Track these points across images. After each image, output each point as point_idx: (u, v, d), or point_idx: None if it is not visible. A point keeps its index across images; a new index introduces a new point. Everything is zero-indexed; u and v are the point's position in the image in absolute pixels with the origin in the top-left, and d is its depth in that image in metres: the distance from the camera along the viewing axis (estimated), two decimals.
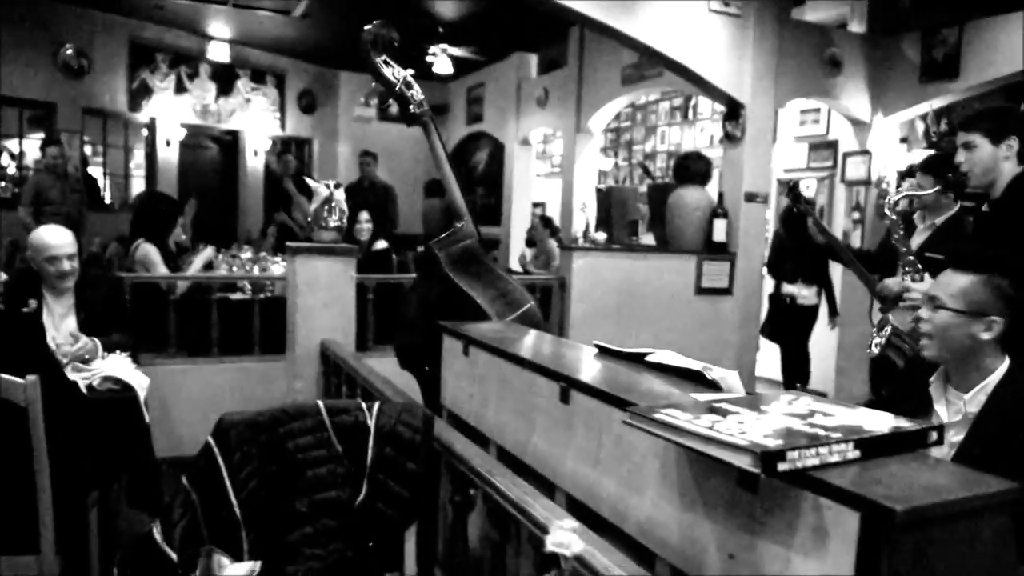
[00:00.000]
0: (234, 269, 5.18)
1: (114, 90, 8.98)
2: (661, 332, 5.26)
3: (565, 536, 1.01)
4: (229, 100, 9.82)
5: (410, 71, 2.62)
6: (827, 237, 3.44)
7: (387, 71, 2.53)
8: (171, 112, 9.39)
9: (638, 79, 7.25)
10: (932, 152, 3.14)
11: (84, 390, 2.77)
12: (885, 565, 0.92)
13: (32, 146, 8.94)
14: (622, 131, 9.25)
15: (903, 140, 6.37)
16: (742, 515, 1.13)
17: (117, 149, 9.41)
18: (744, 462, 1.00)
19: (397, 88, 2.54)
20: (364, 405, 1.82)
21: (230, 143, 10.19)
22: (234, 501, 1.70)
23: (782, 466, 0.99)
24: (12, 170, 8.97)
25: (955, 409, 1.75)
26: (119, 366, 2.91)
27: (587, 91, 7.97)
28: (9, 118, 8.75)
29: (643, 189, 7.61)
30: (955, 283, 1.73)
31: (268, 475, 1.74)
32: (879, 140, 6.31)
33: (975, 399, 1.71)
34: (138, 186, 9.66)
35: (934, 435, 1.15)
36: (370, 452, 1.79)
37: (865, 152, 6.34)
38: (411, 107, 2.56)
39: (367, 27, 2.51)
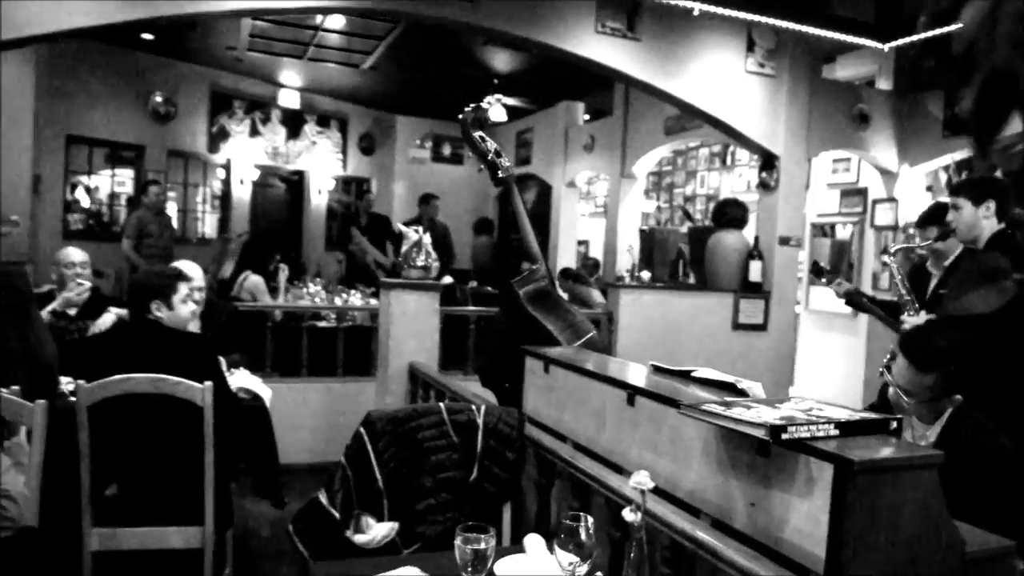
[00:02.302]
0: (316, 300, 5.81)
1: (195, 133, 9.83)
2: (700, 364, 5.74)
3: (642, 477, 1.54)
4: (297, 143, 10.63)
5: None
6: (854, 300, 3.94)
7: (482, 144, 3.13)
8: (245, 154, 10.21)
9: (679, 129, 7.82)
10: (930, 205, 3.63)
11: None
12: (849, 499, 1.45)
13: (106, 182, 9.72)
14: (664, 175, 9.82)
15: (928, 189, 6.82)
16: (759, 475, 1.66)
17: (195, 187, 10.21)
18: (760, 433, 1.54)
19: (489, 157, 3.13)
20: (474, 407, 2.39)
21: (296, 182, 10.97)
22: (378, 476, 2.26)
23: (784, 436, 1.52)
24: (86, 203, 9.77)
25: (918, 435, 2.25)
26: (249, 380, 3.51)
27: (631, 139, 8.55)
28: (98, 157, 9.62)
29: (684, 231, 8.15)
30: (921, 382, 2.16)
31: (403, 458, 2.30)
32: (906, 189, 6.78)
33: (933, 430, 2.22)
34: (211, 221, 10.46)
35: (894, 424, 1.67)
36: (479, 443, 2.34)
37: (892, 200, 6.81)
38: (500, 172, 3.15)
39: (466, 109, 3.11)
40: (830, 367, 7.37)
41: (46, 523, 2.48)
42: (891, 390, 2.22)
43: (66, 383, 3.02)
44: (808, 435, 1.55)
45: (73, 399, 2.73)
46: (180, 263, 3.91)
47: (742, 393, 2.02)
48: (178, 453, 2.82)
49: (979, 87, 0.91)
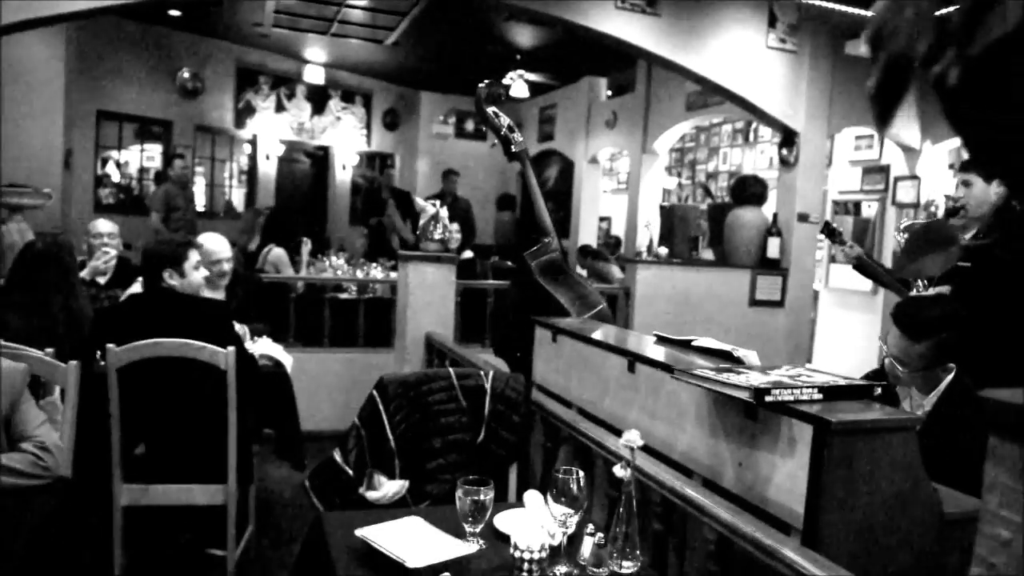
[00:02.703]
0: (339, 273, 5.94)
1: (222, 109, 9.97)
2: (717, 339, 5.81)
3: (632, 434, 1.63)
4: (322, 118, 10.74)
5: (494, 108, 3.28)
6: (865, 265, 3.89)
7: (495, 119, 3.20)
8: (271, 129, 10.34)
9: (701, 105, 7.80)
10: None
11: None
12: (826, 458, 1.53)
13: (136, 157, 9.88)
14: (686, 151, 9.79)
15: (951, 166, 6.76)
16: (747, 437, 1.74)
17: (222, 162, 10.38)
18: (745, 396, 1.62)
19: (503, 132, 3.21)
20: (482, 372, 2.48)
21: (321, 158, 11.10)
22: (390, 437, 2.38)
23: (768, 398, 1.60)
24: (116, 177, 9.94)
25: (916, 404, 2.31)
26: (271, 347, 3.64)
27: (653, 115, 8.54)
28: (128, 132, 9.81)
29: (703, 207, 8.16)
30: (913, 351, 2.22)
31: (414, 420, 2.41)
32: (928, 166, 6.73)
33: (930, 400, 2.27)
34: (237, 195, 10.64)
35: (878, 390, 1.74)
36: (487, 407, 2.45)
37: (915, 177, 6.77)
38: (512, 147, 3.23)
39: (480, 85, 3.18)
40: (849, 344, 7.38)
41: (80, 480, 2.63)
42: (886, 360, 2.28)
43: None
44: (791, 398, 1.63)
45: (103, 364, 2.87)
46: (207, 235, 4.04)
47: (738, 361, 2.10)
48: (201, 414, 2.95)
49: (882, 67, 0.95)
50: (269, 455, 3.86)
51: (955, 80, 0.66)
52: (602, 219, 10.43)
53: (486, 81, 3.19)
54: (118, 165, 9.97)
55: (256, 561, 3.33)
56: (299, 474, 3.84)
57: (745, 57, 5.99)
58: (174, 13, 8.58)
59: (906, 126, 6.69)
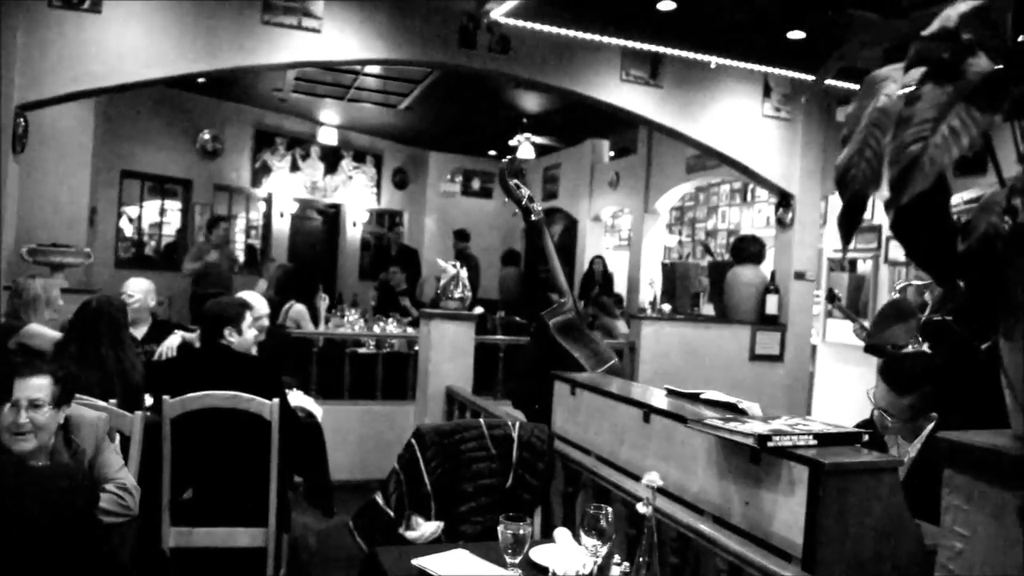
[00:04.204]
0: (356, 328, 6.20)
1: (240, 168, 10.36)
2: (720, 392, 6.05)
3: (652, 475, 1.88)
4: (334, 177, 11.14)
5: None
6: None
7: (517, 191, 3.52)
8: (286, 187, 10.73)
9: (700, 168, 8.18)
10: None
11: None
12: (821, 494, 1.77)
13: (155, 215, 10.22)
14: (686, 210, 10.15)
15: None
16: (752, 478, 1.99)
17: (235, 218, 10.72)
18: (749, 441, 1.87)
19: (523, 203, 3.51)
20: (510, 422, 2.73)
21: (333, 215, 11.47)
22: (427, 481, 2.61)
23: (770, 444, 1.86)
24: (129, 232, 10.25)
25: (903, 452, 2.55)
26: (303, 399, 3.88)
27: (654, 176, 8.92)
28: (150, 191, 10.16)
29: (704, 264, 8.48)
30: (900, 404, 2.48)
31: (448, 466, 2.65)
32: None
33: (914, 447, 2.52)
34: (252, 251, 10.96)
35: (865, 437, 1.99)
36: (514, 454, 2.69)
37: None
38: (532, 216, 3.53)
39: (503, 160, 3.50)
40: (847, 397, 7.60)
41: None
42: (875, 412, 2.53)
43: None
44: (790, 444, 1.88)
45: (150, 415, 3.11)
46: (246, 294, 4.31)
47: (742, 412, 2.35)
48: (245, 462, 3.18)
49: (845, 202, 1.21)
50: (297, 502, 4.06)
51: (891, 217, 0.95)
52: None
53: (508, 157, 3.51)
54: (131, 220, 10.28)
55: None
56: (324, 521, 4.05)
57: (742, 125, 6.36)
58: (198, 80, 9.01)
59: None
